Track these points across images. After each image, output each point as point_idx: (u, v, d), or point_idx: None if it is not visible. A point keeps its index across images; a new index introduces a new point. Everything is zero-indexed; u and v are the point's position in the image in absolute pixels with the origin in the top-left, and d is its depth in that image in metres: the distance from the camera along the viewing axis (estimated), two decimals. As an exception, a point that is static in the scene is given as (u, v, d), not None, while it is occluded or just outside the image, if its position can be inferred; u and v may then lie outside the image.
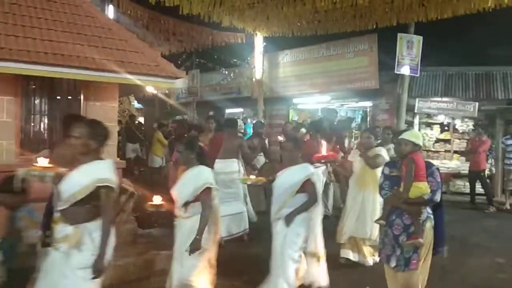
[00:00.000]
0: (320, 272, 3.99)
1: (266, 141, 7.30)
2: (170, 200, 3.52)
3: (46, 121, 4.86)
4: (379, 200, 4.55)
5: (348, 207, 5.04)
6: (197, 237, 3.28)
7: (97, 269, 2.59)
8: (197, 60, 14.47)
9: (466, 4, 7.30)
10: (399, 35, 8.48)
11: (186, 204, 3.44)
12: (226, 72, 14.28)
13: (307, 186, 3.66)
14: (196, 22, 10.55)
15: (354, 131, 11.26)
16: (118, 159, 5.10)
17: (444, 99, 9.83)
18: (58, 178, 2.71)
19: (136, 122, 12.70)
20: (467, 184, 9.42)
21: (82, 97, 4.87)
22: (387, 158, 4.69)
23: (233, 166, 5.88)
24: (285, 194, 3.68)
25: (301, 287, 3.84)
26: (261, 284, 3.73)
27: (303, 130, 8.03)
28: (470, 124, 10.17)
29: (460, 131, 10.37)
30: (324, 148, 4.98)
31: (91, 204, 2.65)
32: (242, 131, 11.15)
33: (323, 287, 4.02)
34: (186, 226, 3.44)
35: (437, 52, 9.15)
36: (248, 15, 8.95)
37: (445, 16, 7.74)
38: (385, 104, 10.86)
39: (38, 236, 3.07)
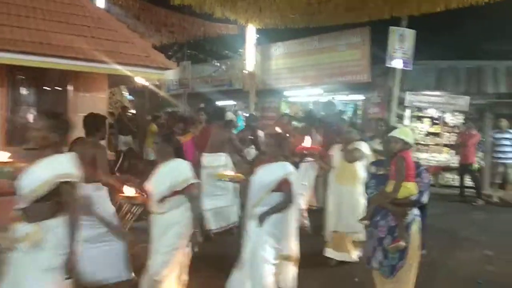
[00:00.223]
0: (293, 276, 3.72)
1: (262, 134, 7.26)
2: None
3: (33, 112, 4.77)
4: (360, 195, 4.52)
5: (329, 203, 4.95)
6: (195, 230, 3.28)
7: (70, 268, 2.49)
8: (188, 51, 14.32)
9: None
10: (390, 28, 8.46)
11: (162, 199, 3.32)
12: (218, 64, 14.17)
13: (283, 185, 3.49)
14: (188, 13, 10.44)
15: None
16: (108, 151, 5.02)
17: (435, 92, 9.89)
18: (18, 173, 2.57)
19: (129, 114, 12.50)
20: (456, 177, 9.53)
21: (71, 88, 4.80)
22: (367, 153, 4.62)
23: (220, 160, 5.85)
24: (261, 191, 3.51)
25: None
26: (227, 282, 3.55)
27: (295, 123, 8.01)
28: (460, 118, 10.25)
29: (451, 124, 10.44)
30: (308, 141, 4.73)
31: (53, 201, 2.52)
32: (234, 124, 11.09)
33: None
34: (161, 221, 3.34)
35: (429, 46, 9.14)
36: (240, 6, 8.88)
37: (438, 9, 7.74)
38: (377, 98, 10.88)
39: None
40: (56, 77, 4.80)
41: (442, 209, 7.62)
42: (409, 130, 3.41)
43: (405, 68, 8.65)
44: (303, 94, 12.52)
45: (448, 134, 10.41)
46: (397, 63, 8.55)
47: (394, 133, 3.27)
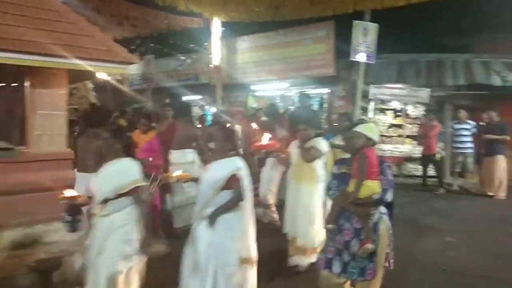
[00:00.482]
0: (253, 280, 3.36)
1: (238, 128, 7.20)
2: None
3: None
4: (318, 195, 4.31)
5: (287, 203, 4.64)
6: (116, 238, 2.99)
7: None
8: (152, 45, 14.00)
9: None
10: (354, 22, 8.58)
11: (105, 201, 3.06)
12: (183, 58, 13.94)
13: (233, 182, 3.22)
14: (151, 6, 10.16)
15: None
16: (69, 149, 4.83)
17: (397, 85, 10.14)
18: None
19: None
20: (419, 167, 9.83)
21: (27, 84, 4.56)
22: (324, 150, 4.35)
23: (188, 157, 5.77)
24: (209, 190, 3.24)
25: None
26: None
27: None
28: (421, 110, 10.58)
29: (412, 116, 10.76)
30: (265, 137, 4.54)
31: None
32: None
33: None
34: (103, 225, 3.05)
35: (391, 40, 9.36)
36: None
37: (400, 4, 7.91)
38: (342, 91, 11.07)
39: None
40: (11, 73, 4.55)
41: (405, 198, 7.87)
42: (373, 126, 3.22)
43: (368, 62, 8.82)
44: (270, 88, 12.54)
45: (410, 125, 10.73)
46: (360, 57, 8.70)
47: (357, 128, 3.09)
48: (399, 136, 10.76)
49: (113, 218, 3.04)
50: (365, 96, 9.93)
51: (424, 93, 9.80)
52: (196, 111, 12.24)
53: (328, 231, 3.19)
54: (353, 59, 8.83)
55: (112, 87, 13.66)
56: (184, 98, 14.06)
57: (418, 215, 6.95)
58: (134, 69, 13.92)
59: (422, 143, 9.47)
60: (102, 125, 4.17)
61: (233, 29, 11.75)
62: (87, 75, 6.42)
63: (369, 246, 2.89)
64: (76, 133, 5.47)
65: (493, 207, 7.87)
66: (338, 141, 4.84)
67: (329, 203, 4.09)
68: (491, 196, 8.41)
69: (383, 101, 10.67)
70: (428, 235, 5.94)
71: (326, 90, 11.58)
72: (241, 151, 4.95)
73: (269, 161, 5.93)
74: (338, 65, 10.41)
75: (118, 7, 10.05)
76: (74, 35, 4.48)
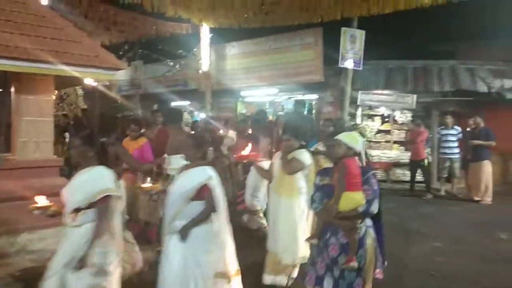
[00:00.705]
0: None
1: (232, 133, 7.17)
2: None
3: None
4: (299, 208, 4.11)
5: (269, 216, 4.47)
6: (88, 251, 2.75)
7: None
8: (140, 50, 13.93)
9: (406, 0, 7.62)
10: (342, 29, 8.67)
11: (76, 211, 2.87)
12: (172, 64, 13.90)
13: (204, 192, 3.07)
14: (139, 12, 10.13)
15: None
16: (55, 156, 4.76)
17: (385, 91, 10.25)
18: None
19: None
20: (407, 172, 9.89)
21: (12, 90, 4.50)
22: (306, 163, 4.12)
23: (181, 162, 5.73)
24: (179, 201, 3.08)
25: None
26: None
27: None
28: (408, 116, 10.68)
29: (400, 122, 10.87)
30: (248, 148, 4.42)
31: None
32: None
33: None
34: (74, 236, 2.85)
35: (378, 46, 9.47)
36: (193, 5, 8.74)
37: (387, 11, 8.01)
38: (330, 97, 11.15)
39: None
40: (-4, 78, 4.50)
41: (393, 203, 7.91)
42: (356, 135, 3.04)
43: (356, 68, 8.90)
44: (259, 94, 12.56)
45: (397, 131, 10.83)
46: (348, 63, 8.78)
47: (339, 136, 2.94)
48: (387, 141, 10.85)
49: (85, 229, 2.84)
50: (353, 102, 10.01)
51: (411, 99, 9.90)
52: (185, 117, 12.19)
53: (314, 246, 3.05)
54: (342, 66, 8.90)
55: (100, 93, 13.56)
56: (173, 104, 14.05)
57: (406, 221, 6.98)
58: (122, 75, 13.83)
59: (410, 149, 9.56)
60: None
61: (222, 35, 11.77)
62: (75, 81, 6.38)
63: (354, 264, 2.77)
64: (67, 139, 5.39)
65: (480, 212, 7.95)
66: (321, 147, 4.74)
67: (311, 216, 4.11)
68: (478, 201, 8.50)
69: (371, 107, 10.76)
70: (416, 240, 5.98)
71: (314, 96, 11.65)
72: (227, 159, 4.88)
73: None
74: (326, 71, 10.48)
75: (105, 13, 10.00)
76: (61, 41, 4.45)
